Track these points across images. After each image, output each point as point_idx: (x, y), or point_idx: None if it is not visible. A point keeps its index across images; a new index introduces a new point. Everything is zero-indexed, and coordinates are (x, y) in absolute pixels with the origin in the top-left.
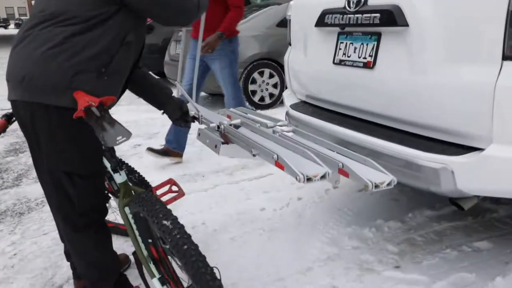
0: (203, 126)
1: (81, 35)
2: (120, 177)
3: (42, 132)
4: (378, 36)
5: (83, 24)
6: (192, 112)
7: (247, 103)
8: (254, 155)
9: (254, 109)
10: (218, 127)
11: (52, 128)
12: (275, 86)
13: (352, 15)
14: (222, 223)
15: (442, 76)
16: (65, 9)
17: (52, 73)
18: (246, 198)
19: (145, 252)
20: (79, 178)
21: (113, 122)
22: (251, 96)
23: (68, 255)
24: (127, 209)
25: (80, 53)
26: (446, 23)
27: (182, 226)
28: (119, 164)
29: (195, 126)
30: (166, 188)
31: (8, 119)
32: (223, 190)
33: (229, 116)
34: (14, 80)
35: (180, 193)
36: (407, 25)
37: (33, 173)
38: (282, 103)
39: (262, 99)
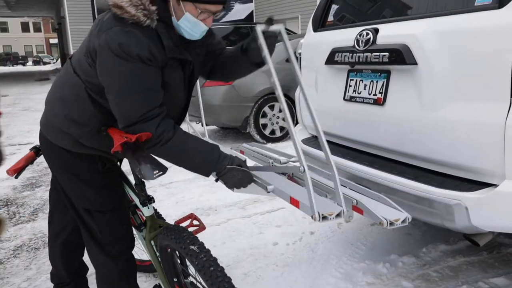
0: None
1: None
2: (148, 211)
3: (54, 169)
4: (387, 74)
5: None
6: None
7: (258, 136)
8: (268, 192)
9: (265, 142)
10: None
11: (60, 166)
12: (285, 119)
13: (362, 54)
14: (235, 258)
15: (452, 113)
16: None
17: (55, 117)
18: (259, 232)
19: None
20: (98, 213)
21: (148, 157)
22: (262, 130)
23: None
24: (153, 242)
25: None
26: (454, 61)
27: (208, 251)
28: (148, 198)
29: None
30: (187, 222)
31: (36, 151)
32: (236, 224)
33: (242, 152)
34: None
35: (201, 227)
36: (415, 63)
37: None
38: None
39: (273, 132)
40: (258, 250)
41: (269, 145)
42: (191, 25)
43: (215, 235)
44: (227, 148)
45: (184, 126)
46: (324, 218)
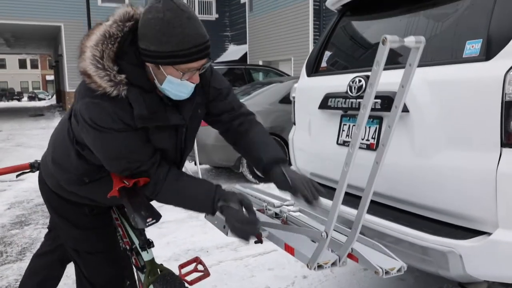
0: None
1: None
2: (147, 255)
3: (46, 204)
4: (380, 120)
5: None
6: None
7: (251, 176)
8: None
9: (257, 182)
10: None
11: (49, 204)
12: None
13: (354, 100)
14: None
15: (443, 160)
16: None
17: (46, 156)
18: (251, 275)
19: None
20: (87, 254)
21: (143, 203)
22: (255, 169)
23: None
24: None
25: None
26: (444, 110)
27: None
28: (147, 243)
29: None
30: (192, 266)
31: (32, 166)
32: (227, 266)
33: None
34: None
35: (206, 273)
36: (407, 110)
37: (38, 247)
38: None
39: None
40: None
41: (262, 185)
42: (176, 87)
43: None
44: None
45: None
46: (320, 267)
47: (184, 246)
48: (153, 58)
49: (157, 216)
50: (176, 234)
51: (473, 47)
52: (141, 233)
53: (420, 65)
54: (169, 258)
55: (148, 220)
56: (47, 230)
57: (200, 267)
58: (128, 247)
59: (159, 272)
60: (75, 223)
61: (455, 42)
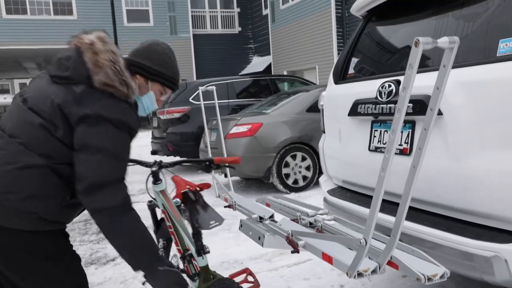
0: (244, 216)
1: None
2: (202, 261)
3: (9, 265)
4: (412, 124)
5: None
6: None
7: (281, 186)
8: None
9: (288, 192)
10: (261, 218)
11: (18, 255)
12: (307, 168)
13: (385, 105)
14: None
15: (480, 162)
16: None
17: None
18: (287, 286)
19: None
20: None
21: (206, 207)
22: (285, 179)
23: None
24: None
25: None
26: (479, 111)
27: None
28: (203, 248)
29: (229, 212)
30: (242, 277)
31: None
32: (263, 277)
33: (267, 204)
34: None
35: (256, 284)
36: (441, 113)
37: None
38: (316, 184)
39: (295, 181)
40: None
41: (292, 194)
42: (150, 103)
43: None
44: (251, 201)
45: (208, 178)
46: (360, 275)
47: (218, 259)
48: (152, 74)
49: (220, 219)
50: (209, 246)
51: (507, 45)
52: (198, 239)
53: (452, 66)
54: None
55: (211, 223)
56: None
57: (250, 278)
58: (180, 255)
59: (212, 279)
60: (56, 256)
61: (487, 41)
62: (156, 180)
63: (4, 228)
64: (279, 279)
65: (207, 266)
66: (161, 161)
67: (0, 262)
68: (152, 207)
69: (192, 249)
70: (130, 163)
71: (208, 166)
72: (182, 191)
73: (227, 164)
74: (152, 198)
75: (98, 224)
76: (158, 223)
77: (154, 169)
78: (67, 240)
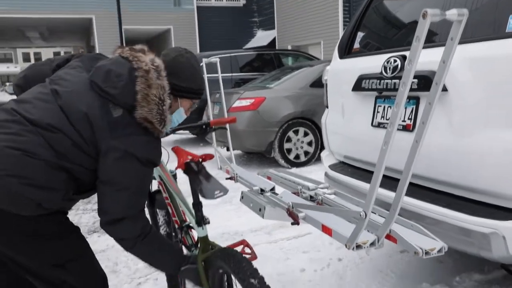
0: (245, 188)
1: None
2: (202, 232)
3: (11, 245)
4: (416, 100)
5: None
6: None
7: (283, 161)
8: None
9: (289, 167)
10: (262, 190)
11: (21, 236)
12: (309, 144)
13: (390, 80)
14: None
15: (484, 139)
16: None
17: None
18: (286, 258)
19: None
20: (71, 263)
21: (210, 177)
22: (287, 154)
23: None
24: (204, 264)
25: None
26: (485, 88)
27: (268, 287)
28: (204, 219)
29: (231, 185)
30: (239, 248)
31: None
32: (262, 249)
33: (269, 178)
34: None
35: (253, 256)
36: (445, 90)
37: None
38: (317, 160)
39: (297, 156)
40: (285, 277)
41: (294, 169)
42: (179, 117)
43: None
44: (253, 174)
45: (211, 150)
46: (358, 246)
47: (219, 230)
48: (182, 92)
49: (224, 189)
50: (210, 218)
51: None
52: (198, 209)
53: (460, 42)
54: None
55: (216, 192)
56: None
57: (247, 249)
58: (177, 226)
59: (211, 249)
60: (59, 234)
61: (496, 16)
62: None
63: (4, 211)
64: (279, 251)
65: (206, 236)
66: None
67: (2, 243)
68: None
69: (192, 220)
70: None
71: (204, 129)
72: (185, 162)
73: (223, 126)
74: None
75: (124, 248)
76: (152, 196)
77: None
78: (66, 218)
